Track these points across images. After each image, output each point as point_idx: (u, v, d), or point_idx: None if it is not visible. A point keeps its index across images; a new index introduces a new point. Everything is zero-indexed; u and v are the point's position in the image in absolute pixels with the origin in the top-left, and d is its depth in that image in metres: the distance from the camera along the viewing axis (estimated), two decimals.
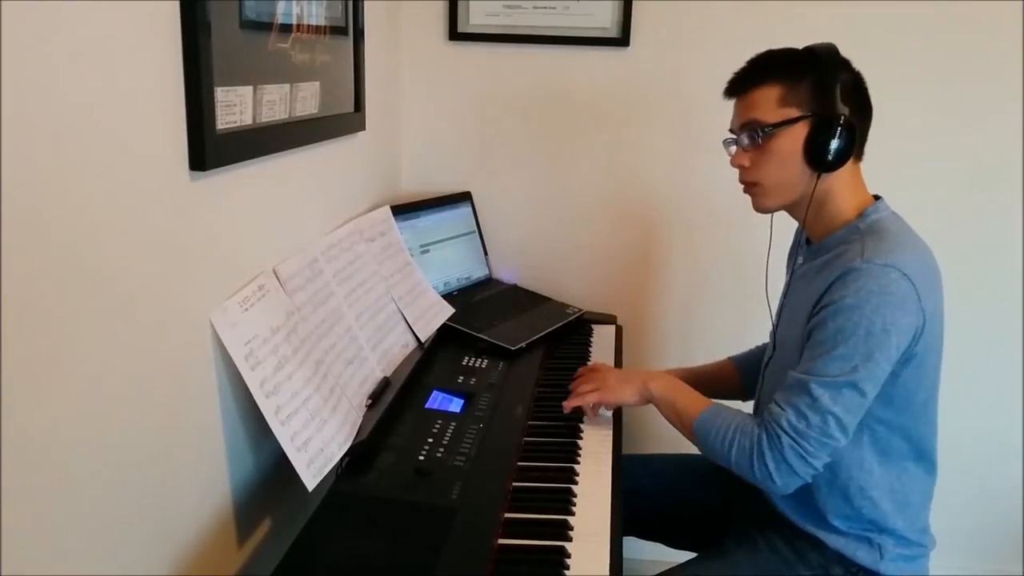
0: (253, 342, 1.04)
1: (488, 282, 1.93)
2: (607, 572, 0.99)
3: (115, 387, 0.83)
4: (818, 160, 1.14)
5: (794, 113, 1.15)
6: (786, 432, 1.10)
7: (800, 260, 1.28)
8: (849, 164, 1.16)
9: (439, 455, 1.17)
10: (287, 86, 1.19)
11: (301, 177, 1.31)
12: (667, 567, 1.28)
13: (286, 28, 1.17)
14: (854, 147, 1.14)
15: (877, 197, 1.22)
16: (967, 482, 1.96)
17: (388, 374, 1.37)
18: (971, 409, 1.93)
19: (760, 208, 1.24)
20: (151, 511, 0.92)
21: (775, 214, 1.27)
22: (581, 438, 1.31)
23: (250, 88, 1.06)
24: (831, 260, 1.16)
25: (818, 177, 1.16)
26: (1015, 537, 2.03)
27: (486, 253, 1.95)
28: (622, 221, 1.96)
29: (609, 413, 1.39)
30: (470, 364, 1.51)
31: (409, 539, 1.00)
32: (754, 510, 1.32)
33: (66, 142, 0.73)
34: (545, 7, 1.84)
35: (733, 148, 1.22)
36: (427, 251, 1.77)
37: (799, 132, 1.15)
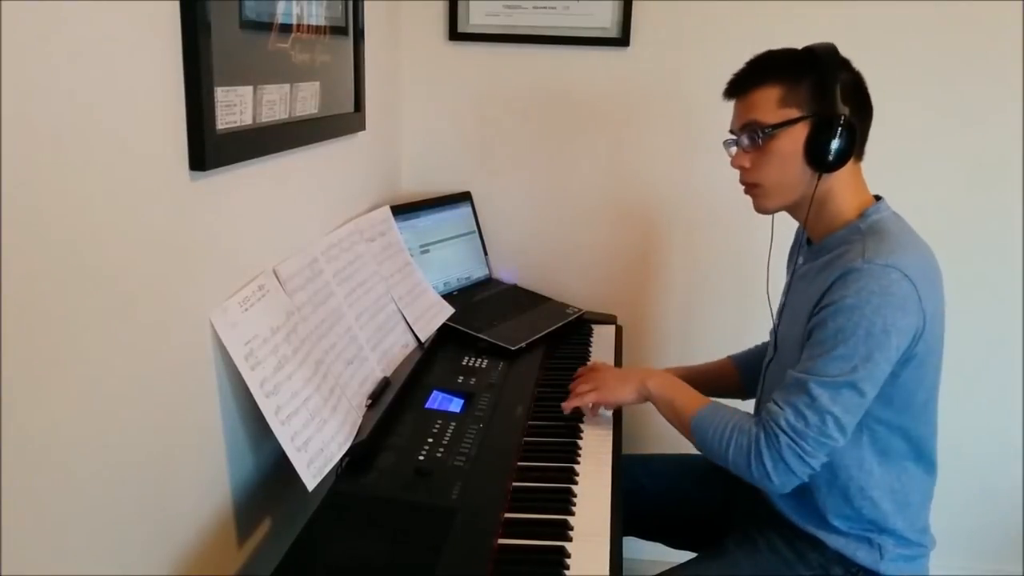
0: (253, 342, 1.04)
1: (488, 282, 1.93)
2: (607, 572, 0.99)
3: (115, 387, 0.83)
4: (819, 160, 1.14)
5: (794, 114, 1.15)
6: (784, 431, 1.10)
7: (801, 260, 1.28)
8: (850, 164, 1.16)
9: (439, 455, 1.17)
10: (287, 86, 1.19)
11: (301, 177, 1.31)
12: (667, 567, 1.28)
13: (286, 28, 1.17)
14: (854, 147, 1.14)
15: (878, 197, 1.22)
16: (967, 482, 1.96)
17: (388, 374, 1.37)
18: (971, 409, 1.93)
19: (761, 209, 1.24)
20: (151, 511, 0.92)
21: (776, 214, 1.27)
22: (581, 438, 1.31)
23: (250, 88, 1.06)
24: (832, 260, 1.16)
25: (819, 177, 1.16)
26: (1015, 537, 2.03)
27: (486, 253, 1.95)
28: (622, 221, 1.96)
29: (609, 413, 1.39)
30: (470, 364, 1.51)
31: (409, 539, 1.00)
32: (754, 510, 1.32)
33: (66, 142, 0.73)
34: (545, 7, 1.84)
35: (733, 149, 1.22)
36: (427, 251, 1.77)
37: (799, 133, 1.15)
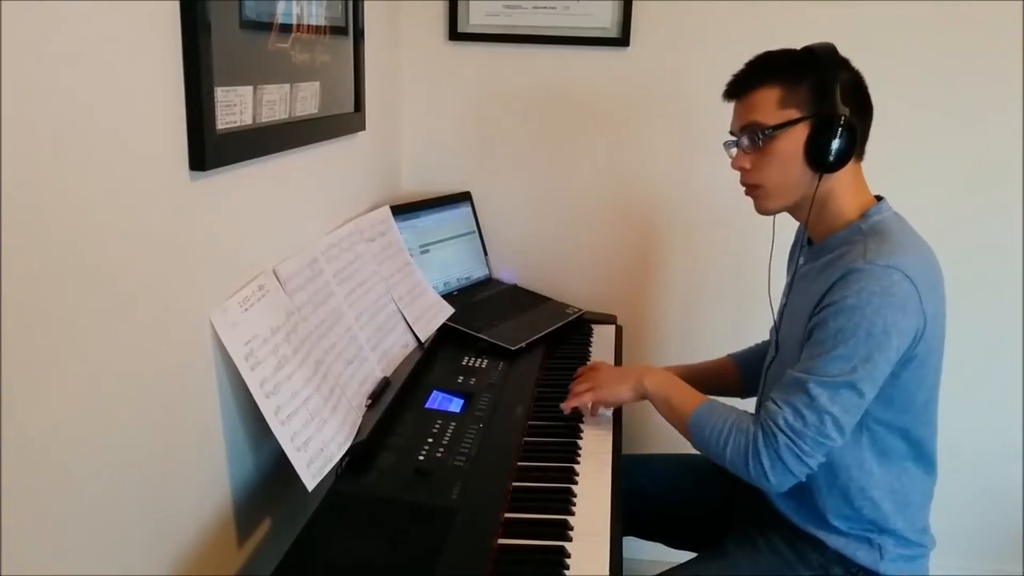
0: (253, 342, 1.04)
1: (488, 282, 1.93)
2: (607, 572, 0.99)
3: (115, 387, 0.83)
4: (819, 161, 1.14)
5: (794, 114, 1.15)
6: (782, 431, 1.10)
7: (802, 260, 1.28)
8: (850, 164, 1.15)
9: (439, 455, 1.17)
10: (287, 86, 1.19)
11: (301, 177, 1.31)
12: (667, 567, 1.28)
13: (286, 28, 1.17)
14: (855, 147, 1.14)
15: (879, 197, 1.22)
16: (967, 482, 1.96)
17: (388, 374, 1.37)
18: (971, 409, 1.93)
19: (763, 210, 1.23)
20: (151, 511, 0.92)
21: (777, 215, 1.27)
22: (581, 438, 1.31)
23: (250, 88, 1.06)
24: (833, 260, 1.16)
25: (820, 178, 1.16)
26: (1015, 537, 2.03)
27: (486, 253, 1.95)
28: (622, 221, 1.96)
29: (609, 413, 1.39)
30: (470, 364, 1.51)
31: (409, 539, 1.00)
32: (754, 510, 1.32)
33: (66, 142, 0.73)
34: (545, 7, 1.84)
35: (734, 150, 1.22)
36: (427, 251, 1.77)
37: (799, 133, 1.14)
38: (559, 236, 1.98)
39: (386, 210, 1.63)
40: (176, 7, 0.89)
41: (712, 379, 1.52)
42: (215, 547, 1.08)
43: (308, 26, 1.25)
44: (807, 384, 1.09)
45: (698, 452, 1.23)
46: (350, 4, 1.46)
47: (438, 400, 1.35)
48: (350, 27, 1.47)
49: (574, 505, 1.13)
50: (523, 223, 1.99)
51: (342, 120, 1.46)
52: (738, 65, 1.21)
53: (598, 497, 1.15)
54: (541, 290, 1.93)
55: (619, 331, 1.81)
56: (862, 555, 1.20)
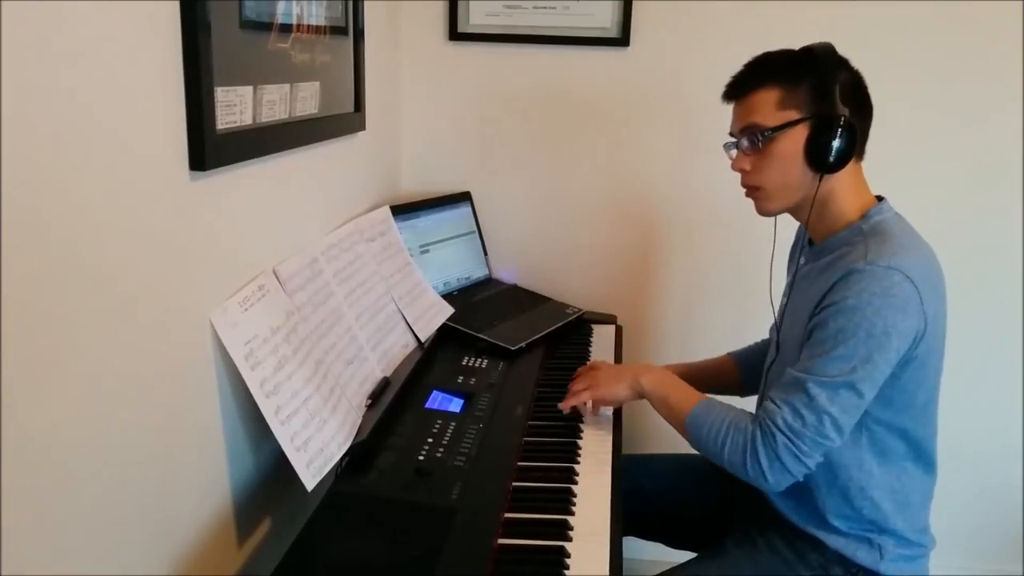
0: (253, 342, 1.04)
1: (488, 282, 1.93)
2: (607, 572, 0.99)
3: (115, 387, 0.83)
4: (820, 162, 1.14)
5: (794, 116, 1.14)
6: (781, 430, 1.10)
7: (803, 260, 1.28)
8: (851, 164, 1.15)
9: (439, 455, 1.17)
10: (287, 86, 1.19)
11: (301, 177, 1.31)
12: (667, 567, 1.28)
13: (286, 28, 1.17)
14: (855, 147, 1.14)
15: (880, 198, 1.22)
16: (967, 482, 1.96)
17: (388, 374, 1.37)
18: (971, 409, 1.93)
19: (764, 212, 1.23)
20: (151, 511, 0.92)
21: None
22: (581, 438, 1.31)
23: (250, 88, 1.06)
24: (834, 261, 1.16)
25: (820, 179, 1.16)
26: (1015, 537, 2.03)
27: (486, 253, 1.95)
28: (622, 221, 1.96)
29: (609, 412, 1.39)
30: (470, 364, 1.51)
31: (409, 539, 1.00)
32: (754, 510, 1.32)
33: (66, 142, 0.73)
34: (545, 7, 1.84)
35: (734, 152, 1.22)
36: (427, 251, 1.77)
37: (799, 134, 1.14)
38: (559, 236, 1.98)
39: (386, 210, 1.63)
40: (176, 7, 0.89)
41: (711, 377, 1.52)
42: (215, 547, 1.08)
43: (308, 26, 1.25)
44: (806, 384, 1.09)
45: (698, 452, 1.23)
46: (350, 4, 1.46)
47: (438, 400, 1.35)
48: (350, 27, 1.47)
49: (574, 505, 1.13)
50: (523, 223, 1.99)
51: (342, 120, 1.46)
52: (738, 65, 1.21)
53: (598, 497, 1.15)
54: (541, 290, 1.93)
55: (619, 331, 1.81)
56: (862, 555, 1.20)
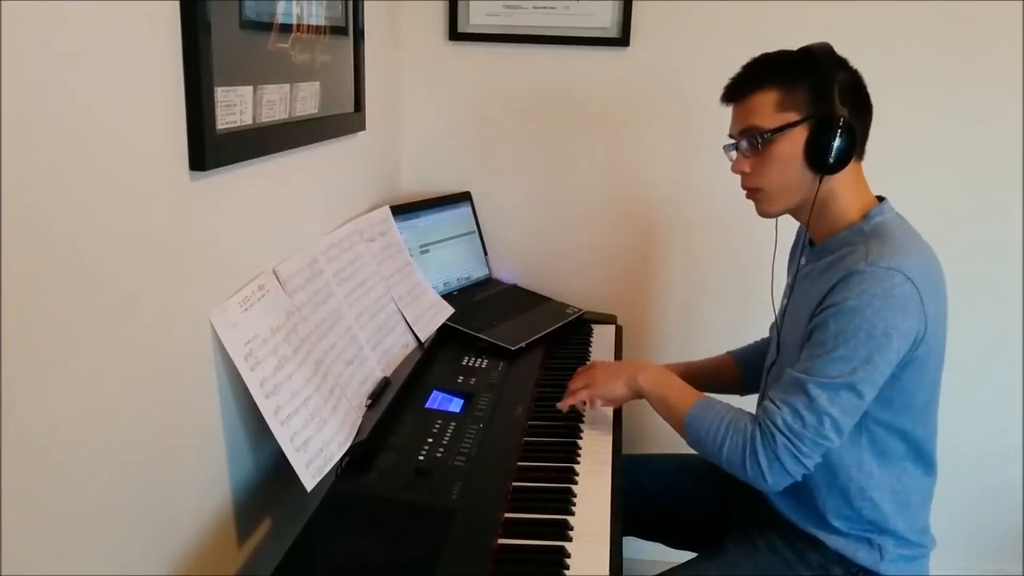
0: (253, 342, 1.04)
1: (488, 282, 1.93)
2: (607, 572, 0.99)
3: (115, 387, 0.83)
4: (819, 163, 1.14)
5: (793, 117, 1.14)
6: (781, 431, 1.09)
7: (803, 261, 1.28)
8: (851, 165, 1.15)
9: (439, 455, 1.17)
10: (287, 86, 1.19)
11: (301, 177, 1.31)
12: (667, 567, 1.28)
13: (286, 28, 1.17)
14: (855, 148, 1.14)
15: (881, 198, 1.22)
16: (967, 482, 1.96)
17: (388, 374, 1.37)
18: (971, 409, 1.93)
19: (764, 213, 1.23)
20: (151, 511, 0.92)
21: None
22: (581, 438, 1.31)
23: (250, 88, 1.06)
24: (835, 262, 1.16)
25: (820, 180, 1.15)
26: (1015, 537, 2.03)
27: (486, 253, 1.95)
28: (622, 221, 1.96)
29: (609, 411, 1.39)
30: (470, 364, 1.51)
31: (409, 539, 1.00)
32: (754, 510, 1.32)
33: (66, 142, 0.73)
34: (545, 7, 1.84)
35: (733, 154, 1.22)
36: (427, 251, 1.77)
37: (799, 136, 1.14)
38: (559, 236, 1.98)
39: (386, 210, 1.63)
40: (176, 7, 0.89)
41: (711, 376, 1.52)
42: (215, 547, 1.08)
43: (308, 26, 1.25)
44: (806, 385, 1.09)
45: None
46: (350, 4, 1.46)
47: (438, 400, 1.35)
48: (350, 27, 1.47)
49: (574, 505, 1.13)
50: (523, 223, 1.99)
51: (342, 120, 1.46)
52: (738, 65, 1.21)
53: (598, 497, 1.15)
54: (541, 290, 1.93)
55: (619, 331, 1.81)
56: (862, 555, 1.20)
